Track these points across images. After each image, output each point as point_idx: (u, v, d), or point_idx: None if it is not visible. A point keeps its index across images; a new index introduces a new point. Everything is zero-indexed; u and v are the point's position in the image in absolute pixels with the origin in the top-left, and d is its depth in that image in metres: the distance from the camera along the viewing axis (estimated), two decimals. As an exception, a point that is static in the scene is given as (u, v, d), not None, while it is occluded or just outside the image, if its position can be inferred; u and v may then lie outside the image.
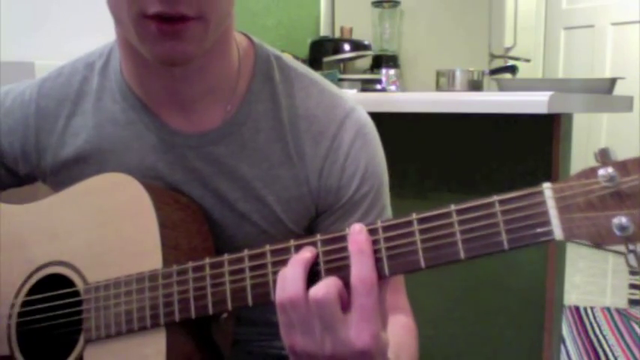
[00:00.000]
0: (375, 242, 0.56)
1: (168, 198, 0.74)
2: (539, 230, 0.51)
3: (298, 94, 0.78)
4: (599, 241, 0.50)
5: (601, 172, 0.49)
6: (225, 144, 0.76)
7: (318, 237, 0.59)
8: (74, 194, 0.77)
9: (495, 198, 0.52)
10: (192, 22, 0.65)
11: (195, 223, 0.75)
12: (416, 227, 0.55)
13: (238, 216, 0.77)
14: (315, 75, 0.82)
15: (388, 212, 0.81)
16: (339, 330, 0.55)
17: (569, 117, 1.66)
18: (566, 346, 2.58)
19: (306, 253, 0.58)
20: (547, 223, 0.51)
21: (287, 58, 0.82)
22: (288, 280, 0.57)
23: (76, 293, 0.73)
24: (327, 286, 0.56)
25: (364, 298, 0.55)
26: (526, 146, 1.64)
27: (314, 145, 0.77)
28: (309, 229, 0.80)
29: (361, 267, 0.55)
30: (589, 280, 3.46)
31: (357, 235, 0.56)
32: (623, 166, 0.49)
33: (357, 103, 0.81)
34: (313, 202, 0.78)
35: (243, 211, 0.77)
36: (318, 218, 0.79)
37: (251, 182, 0.76)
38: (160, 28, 0.64)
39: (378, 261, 0.56)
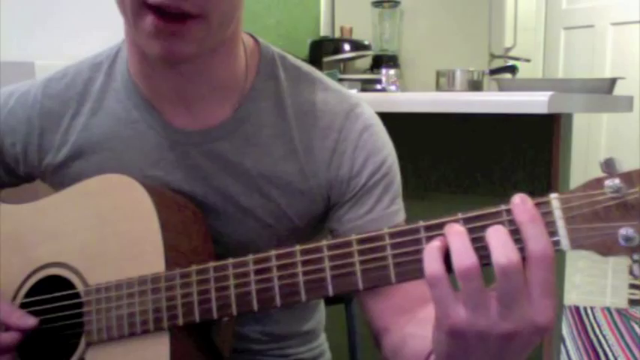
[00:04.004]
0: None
1: (168, 199, 0.74)
2: None
3: (303, 92, 0.79)
4: (605, 251, 0.50)
5: (608, 182, 0.50)
6: (229, 140, 0.76)
7: (324, 242, 0.58)
8: (74, 195, 0.77)
9: (503, 207, 0.52)
10: (192, 21, 0.64)
11: (194, 224, 0.75)
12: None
13: (242, 211, 0.77)
14: (319, 73, 0.83)
15: (399, 203, 0.81)
16: (522, 304, 0.50)
17: (569, 117, 1.65)
18: (566, 346, 2.58)
19: (458, 226, 0.52)
20: (554, 233, 0.50)
21: (291, 57, 0.83)
22: (463, 251, 0.51)
23: (76, 295, 0.73)
24: (506, 254, 0.49)
25: (545, 271, 0.49)
26: (526, 146, 1.64)
27: (321, 138, 0.77)
28: (314, 226, 0.81)
29: (538, 237, 0.49)
30: (589, 280, 3.46)
31: (522, 205, 0.51)
32: (629, 177, 0.49)
33: (361, 99, 0.82)
34: (322, 195, 0.78)
35: (246, 206, 0.77)
36: (330, 210, 0.79)
37: (255, 177, 0.77)
38: (156, 23, 0.63)
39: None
